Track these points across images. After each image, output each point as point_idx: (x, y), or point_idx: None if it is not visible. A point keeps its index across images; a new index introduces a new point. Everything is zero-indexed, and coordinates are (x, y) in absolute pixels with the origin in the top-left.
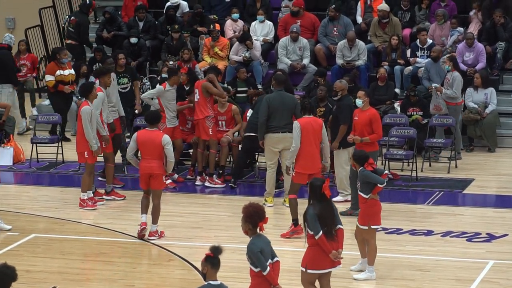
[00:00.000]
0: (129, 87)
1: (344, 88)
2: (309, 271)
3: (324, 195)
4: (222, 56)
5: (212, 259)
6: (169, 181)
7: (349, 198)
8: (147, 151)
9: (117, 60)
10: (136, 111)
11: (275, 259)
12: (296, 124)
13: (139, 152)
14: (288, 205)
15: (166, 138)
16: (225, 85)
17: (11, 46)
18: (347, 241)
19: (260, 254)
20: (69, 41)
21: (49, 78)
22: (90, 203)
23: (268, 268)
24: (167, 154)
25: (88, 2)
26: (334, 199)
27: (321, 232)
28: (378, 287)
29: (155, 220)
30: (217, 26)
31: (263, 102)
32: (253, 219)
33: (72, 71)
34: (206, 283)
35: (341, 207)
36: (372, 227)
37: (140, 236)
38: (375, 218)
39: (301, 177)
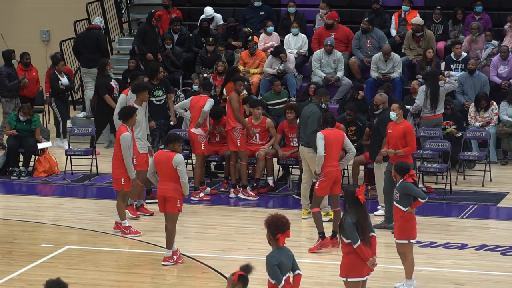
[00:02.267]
0: (163, 99)
1: (385, 102)
2: (349, 279)
3: (358, 199)
4: (259, 71)
5: (244, 278)
6: (201, 194)
7: None
8: (161, 173)
9: (158, 73)
10: (172, 123)
11: (297, 272)
12: (319, 134)
13: None
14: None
15: (177, 158)
16: (259, 97)
17: (102, 27)
18: (380, 255)
19: (276, 268)
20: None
21: None
22: (133, 229)
23: (283, 282)
24: (180, 175)
25: (152, 11)
26: (376, 212)
27: (359, 241)
28: None
29: (169, 245)
30: (256, 39)
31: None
32: (271, 228)
33: None
34: None
35: (376, 219)
36: (412, 241)
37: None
38: (413, 231)
39: (325, 189)
